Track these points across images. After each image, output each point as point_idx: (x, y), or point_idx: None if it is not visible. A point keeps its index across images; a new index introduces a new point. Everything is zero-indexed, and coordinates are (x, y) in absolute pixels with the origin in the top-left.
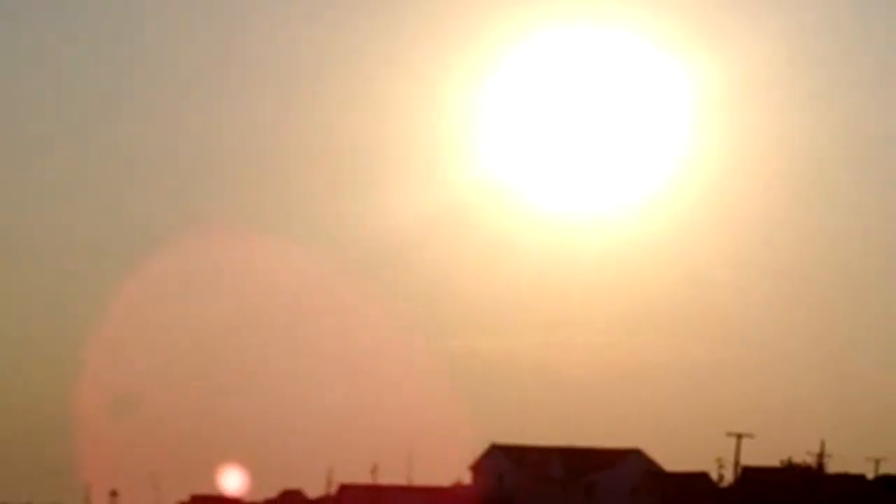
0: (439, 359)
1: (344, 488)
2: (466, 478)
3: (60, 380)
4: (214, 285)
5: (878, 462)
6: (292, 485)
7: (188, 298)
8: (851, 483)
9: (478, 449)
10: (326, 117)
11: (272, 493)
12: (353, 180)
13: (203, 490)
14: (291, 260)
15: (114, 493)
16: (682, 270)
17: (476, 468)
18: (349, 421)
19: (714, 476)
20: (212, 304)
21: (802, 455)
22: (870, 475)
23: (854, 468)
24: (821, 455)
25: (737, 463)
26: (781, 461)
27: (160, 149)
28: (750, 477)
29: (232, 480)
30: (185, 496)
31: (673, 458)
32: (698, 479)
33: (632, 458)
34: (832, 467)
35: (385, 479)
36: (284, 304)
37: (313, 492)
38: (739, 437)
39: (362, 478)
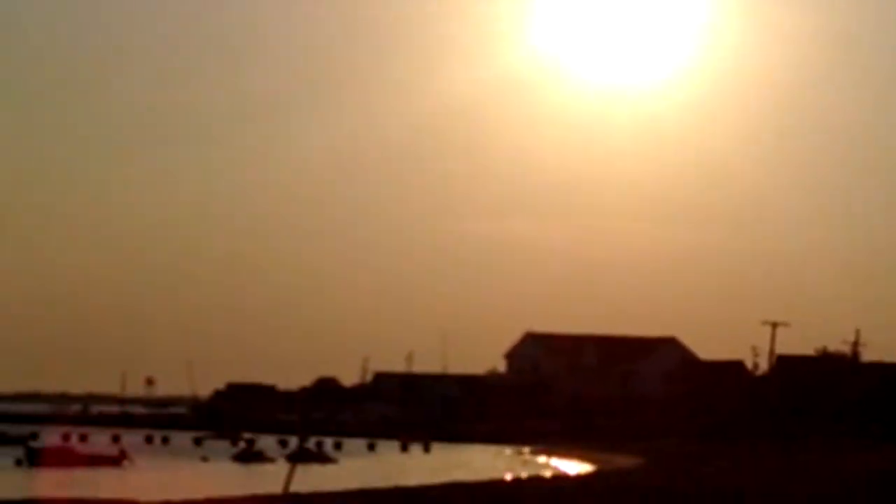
0: (473, 246)
1: (379, 376)
2: (501, 365)
3: (97, 267)
4: (249, 166)
5: None
6: (327, 373)
7: (219, 186)
8: (886, 371)
9: (512, 337)
10: None
11: (307, 382)
12: (407, 56)
13: (238, 378)
14: (333, 135)
15: (150, 381)
16: (715, 161)
17: (510, 356)
18: (384, 309)
19: (749, 364)
20: (247, 191)
21: (837, 343)
22: None
23: (889, 356)
24: (856, 343)
25: (772, 351)
26: (816, 350)
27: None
28: (785, 365)
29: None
30: (221, 384)
31: (708, 346)
32: (733, 368)
33: (667, 347)
34: (867, 356)
35: (420, 366)
36: (314, 191)
37: (348, 380)
38: (775, 325)
39: (397, 366)
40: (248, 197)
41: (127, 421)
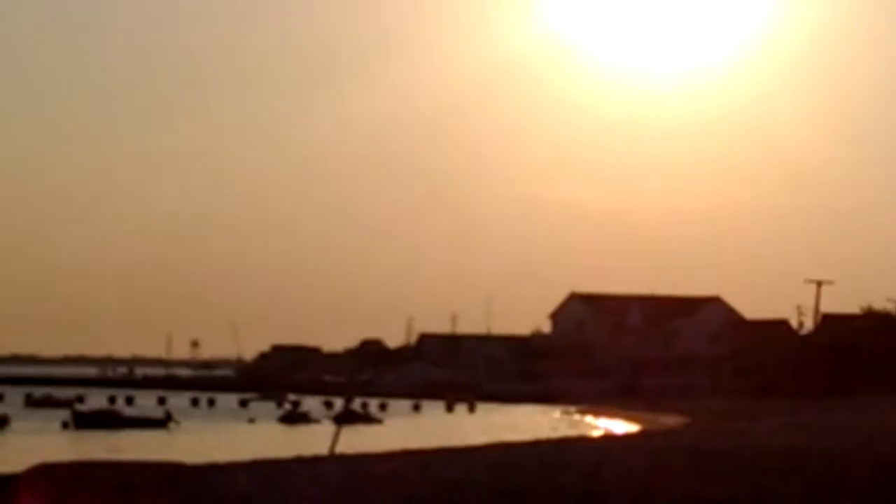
0: (518, 207)
1: (423, 337)
2: (545, 326)
3: (142, 231)
4: (294, 133)
5: None
6: (372, 334)
7: (265, 146)
8: None
9: (557, 297)
10: None
11: (352, 343)
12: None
13: (283, 340)
14: (366, 107)
15: (195, 344)
16: (758, 118)
17: (555, 317)
18: (429, 271)
19: (794, 323)
20: (289, 154)
21: (882, 302)
22: None
23: None
24: None
25: (817, 310)
26: (861, 308)
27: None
28: (829, 324)
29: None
30: (266, 346)
31: (753, 305)
32: (778, 327)
33: (711, 306)
34: None
35: (464, 327)
36: (360, 153)
37: (393, 341)
38: (819, 284)
39: (441, 327)
40: (292, 160)
41: (172, 383)
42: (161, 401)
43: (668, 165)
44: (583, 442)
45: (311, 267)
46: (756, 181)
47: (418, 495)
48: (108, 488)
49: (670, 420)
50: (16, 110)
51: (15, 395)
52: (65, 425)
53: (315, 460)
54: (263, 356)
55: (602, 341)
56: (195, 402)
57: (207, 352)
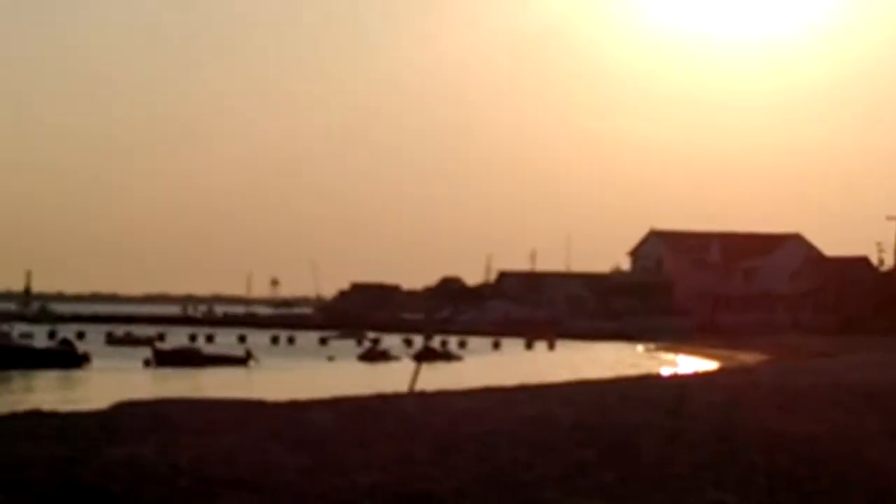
0: (598, 143)
1: (503, 275)
2: (625, 263)
3: (223, 170)
4: (375, 67)
5: None
6: (451, 272)
7: (348, 81)
8: None
9: (636, 234)
10: None
11: (431, 281)
12: None
13: (363, 278)
14: (460, 34)
15: (275, 282)
16: (842, 55)
17: (634, 254)
18: (508, 208)
19: (874, 260)
20: (371, 91)
21: None
22: None
23: None
24: None
25: None
26: None
27: None
28: None
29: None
30: (346, 284)
31: (833, 242)
32: (858, 264)
33: (791, 243)
34: None
35: (543, 265)
36: (438, 90)
37: (472, 279)
38: None
39: (521, 264)
40: (375, 97)
41: (252, 321)
42: (241, 339)
43: (749, 102)
44: (663, 379)
45: (390, 204)
46: (836, 118)
47: (499, 432)
48: (189, 426)
49: (750, 357)
50: (115, 45)
51: (96, 333)
52: (146, 363)
53: (395, 398)
54: (343, 294)
55: (681, 278)
56: (275, 340)
57: (287, 290)
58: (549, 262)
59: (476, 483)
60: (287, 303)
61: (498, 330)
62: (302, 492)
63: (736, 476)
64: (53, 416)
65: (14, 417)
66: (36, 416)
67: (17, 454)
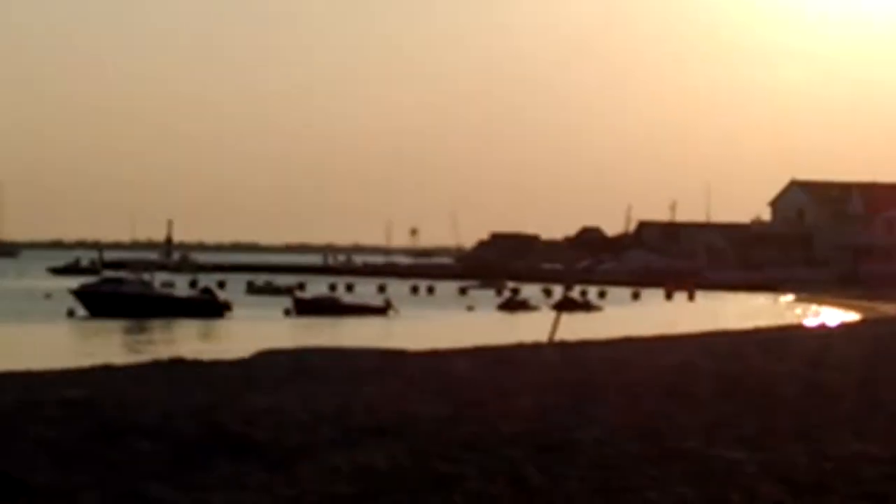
0: (738, 93)
1: (642, 225)
2: (765, 214)
3: (362, 120)
4: (515, 25)
5: None
6: (590, 222)
7: (495, 37)
8: None
9: (777, 185)
10: None
11: (571, 231)
12: None
13: (502, 228)
14: (585, 5)
15: (414, 232)
16: None
17: (775, 204)
18: (648, 158)
19: None
20: (514, 47)
21: None
22: None
23: None
24: None
25: None
26: None
27: None
28: None
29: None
30: (485, 234)
31: None
32: None
33: None
34: None
35: (683, 215)
36: (583, 41)
37: (611, 229)
38: None
39: (660, 214)
40: (518, 52)
41: (392, 271)
42: (381, 289)
43: (892, 52)
44: (804, 330)
45: (529, 155)
46: None
47: (639, 382)
48: (330, 375)
49: (892, 308)
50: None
51: (237, 282)
52: (286, 312)
53: (535, 347)
54: (482, 244)
55: (822, 229)
56: (415, 290)
57: (426, 240)
58: (689, 213)
59: (616, 433)
60: (426, 252)
61: (637, 280)
62: (443, 440)
63: (878, 427)
64: (196, 364)
65: (158, 366)
66: (179, 364)
67: (162, 402)
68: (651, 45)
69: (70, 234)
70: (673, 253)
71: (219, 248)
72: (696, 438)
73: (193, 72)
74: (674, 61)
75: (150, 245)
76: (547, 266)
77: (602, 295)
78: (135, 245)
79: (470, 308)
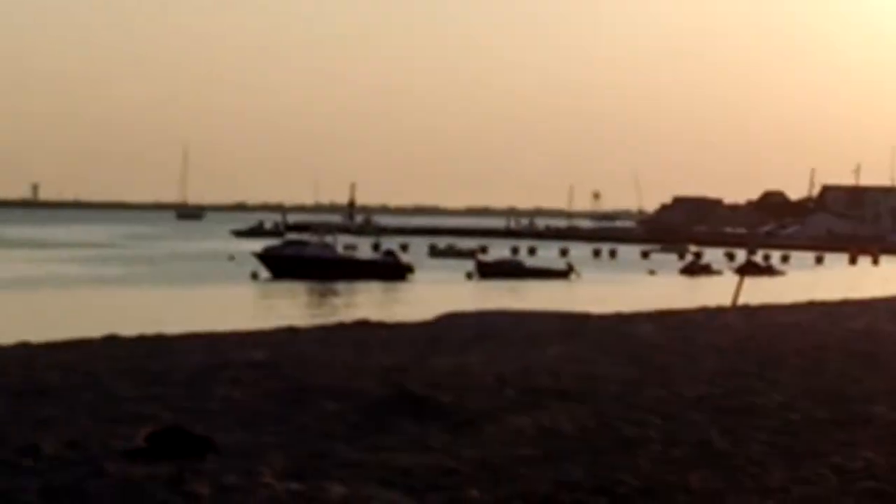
0: None
1: (826, 189)
2: None
3: (547, 85)
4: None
5: None
6: (774, 186)
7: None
8: None
9: None
10: None
11: (754, 195)
12: None
13: (684, 191)
14: None
15: (596, 195)
16: None
17: None
18: (832, 121)
19: None
20: (667, 22)
21: None
22: None
23: None
24: None
25: None
26: None
27: None
28: None
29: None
30: (667, 198)
31: None
32: None
33: None
34: None
35: (868, 179)
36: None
37: (795, 193)
38: None
39: (845, 178)
40: (676, 28)
41: (574, 234)
42: (563, 252)
43: None
44: None
45: (714, 117)
46: None
47: (825, 346)
48: (513, 337)
49: None
50: None
51: (420, 245)
52: (468, 275)
53: (719, 311)
54: (665, 208)
55: None
56: (597, 254)
57: (608, 203)
58: (875, 176)
59: (802, 397)
60: (608, 216)
61: (820, 245)
62: (627, 403)
63: None
64: (381, 326)
65: (343, 327)
66: (364, 326)
67: (347, 364)
68: (840, 7)
69: (254, 198)
70: (857, 217)
71: (401, 211)
72: (884, 403)
73: (381, 40)
74: (860, 23)
75: (333, 208)
76: (729, 230)
77: (785, 259)
78: (318, 208)
79: (652, 272)
